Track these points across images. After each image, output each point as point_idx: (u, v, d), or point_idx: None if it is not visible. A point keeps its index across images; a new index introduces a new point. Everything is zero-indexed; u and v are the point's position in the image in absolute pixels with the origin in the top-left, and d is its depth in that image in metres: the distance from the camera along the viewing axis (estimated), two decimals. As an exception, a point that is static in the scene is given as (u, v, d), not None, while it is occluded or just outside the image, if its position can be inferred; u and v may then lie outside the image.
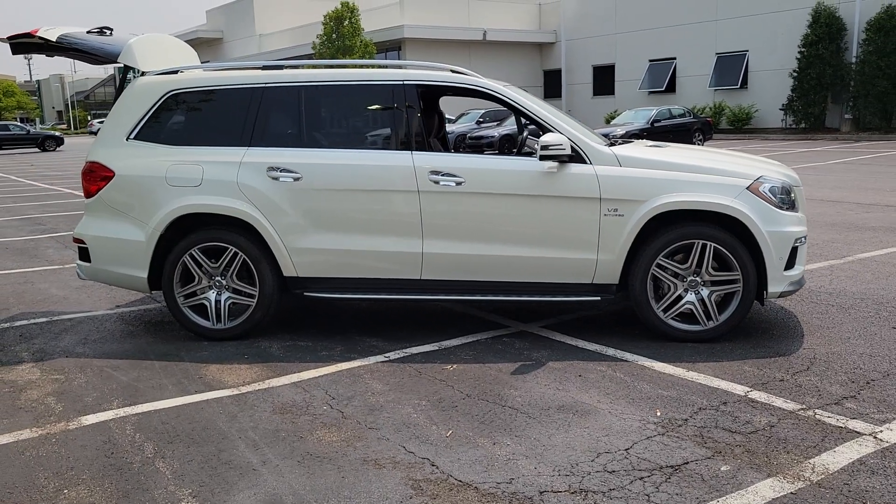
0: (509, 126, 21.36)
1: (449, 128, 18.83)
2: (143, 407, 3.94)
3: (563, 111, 5.34)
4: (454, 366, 4.42)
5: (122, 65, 5.23)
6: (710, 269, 4.61)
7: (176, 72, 5.17)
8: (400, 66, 5.33)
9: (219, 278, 4.97)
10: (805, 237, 4.72)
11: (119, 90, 5.32)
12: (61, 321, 5.69)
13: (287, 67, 5.20)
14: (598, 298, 4.71)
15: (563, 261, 4.68)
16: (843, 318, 5.12)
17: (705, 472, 3.04)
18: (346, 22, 33.77)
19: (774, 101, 29.15)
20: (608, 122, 27.69)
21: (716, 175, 4.59)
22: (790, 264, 4.62)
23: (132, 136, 5.05)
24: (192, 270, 4.96)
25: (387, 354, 4.66)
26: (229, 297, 5.00)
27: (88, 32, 5.32)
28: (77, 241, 5.18)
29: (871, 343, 4.57)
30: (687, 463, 3.13)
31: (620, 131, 19.97)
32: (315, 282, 4.93)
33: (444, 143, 6.18)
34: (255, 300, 4.95)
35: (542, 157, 4.55)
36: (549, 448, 3.31)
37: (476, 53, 36.53)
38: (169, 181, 4.89)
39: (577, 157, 4.63)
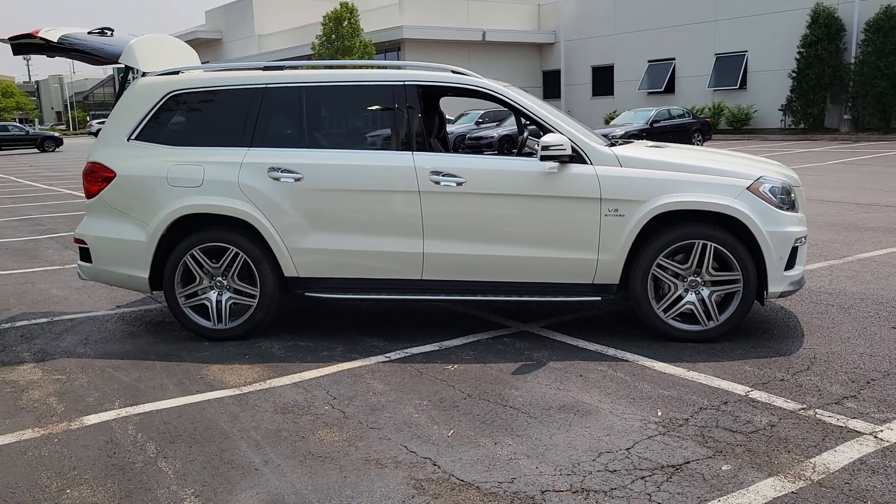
0: (508, 127, 21.38)
1: (448, 128, 18.81)
2: (144, 407, 3.94)
3: (563, 112, 5.35)
4: (455, 366, 4.42)
5: (122, 65, 5.24)
6: (711, 270, 4.62)
7: (177, 72, 5.18)
8: (400, 67, 5.34)
9: (220, 279, 4.98)
10: (805, 237, 4.73)
11: (120, 91, 5.33)
12: (62, 321, 5.69)
13: (288, 68, 5.21)
14: (599, 298, 4.72)
15: (563, 261, 4.68)
16: (843, 318, 5.13)
17: (706, 472, 3.05)
18: (346, 22, 33.81)
19: (773, 102, 29.18)
20: (607, 122, 27.72)
21: (716, 175, 4.60)
22: (790, 264, 4.63)
23: (133, 137, 5.05)
24: (194, 271, 4.97)
25: (388, 354, 4.66)
26: (230, 298, 5.00)
27: (89, 33, 5.33)
28: (78, 241, 5.19)
29: (871, 343, 4.58)
30: (688, 462, 3.14)
31: (620, 132, 19.96)
32: (316, 282, 4.93)
33: (445, 144, 6.19)
34: (256, 300, 4.95)
35: (543, 158, 4.56)
36: (551, 448, 3.32)
37: (475, 54, 36.54)
38: (170, 181, 4.90)
39: (577, 157, 4.64)
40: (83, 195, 5.20)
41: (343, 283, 4.92)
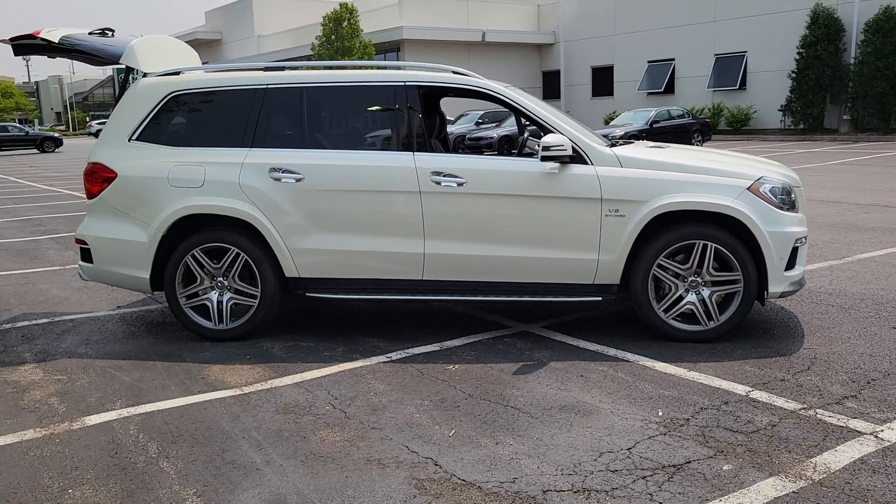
0: (508, 127, 21.40)
1: (448, 129, 18.82)
2: (146, 407, 3.95)
3: (562, 112, 5.35)
4: (456, 366, 4.43)
5: (123, 66, 5.25)
6: (711, 270, 4.63)
7: (178, 73, 5.19)
8: (400, 68, 5.35)
9: (221, 279, 4.98)
10: (805, 237, 4.74)
11: (121, 92, 5.34)
12: (63, 322, 5.70)
13: (289, 69, 5.22)
14: (600, 299, 4.72)
15: (564, 261, 4.69)
16: (843, 318, 5.14)
17: (707, 472, 3.06)
18: (345, 23, 33.80)
19: (773, 102, 29.20)
20: (607, 123, 27.75)
21: (716, 176, 4.61)
22: (791, 265, 4.64)
23: (134, 137, 5.06)
24: (195, 271, 4.97)
25: (389, 355, 4.67)
26: (231, 298, 5.01)
27: (90, 34, 5.33)
28: (79, 241, 5.19)
29: (871, 343, 4.59)
30: (689, 462, 3.15)
31: (619, 132, 19.98)
32: (317, 282, 4.94)
33: (445, 144, 6.20)
34: (257, 301, 4.96)
35: (544, 158, 4.56)
36: (552, 448, 3.32)
37: (475, 54, 36.55)
38: (171, 182, 4.90)
39: (578, 157, 4.64)
40: (83, 196, 5.21)
41: (344, 283, 4.92)
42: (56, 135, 43.60)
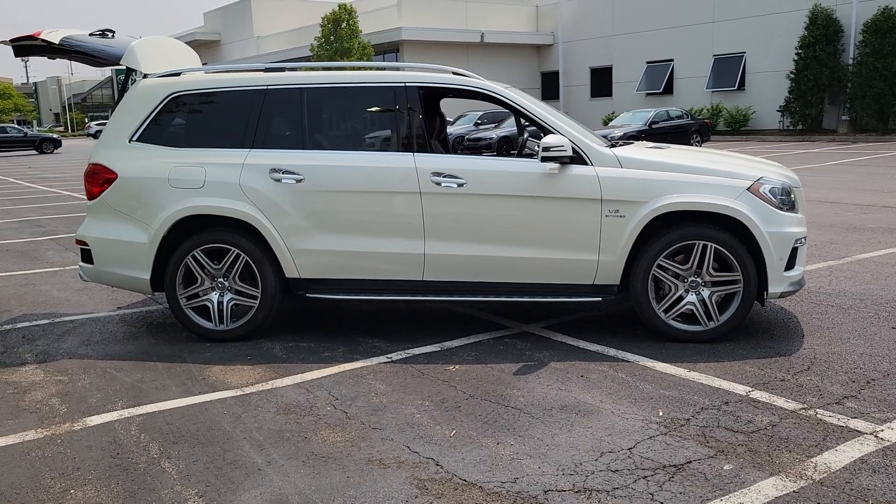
0: (507, 128, 21.43)
1: (447, 129, 18.82)
2: (147, 408, 3.95)
3: (561, 113, 5.36)
4: (456, 366, 4.43)
5: (123, 67, 5.25)
6: (711, 270, 4.64)
7: (178, 74, 5.19)
8: (399, 68, 5.36)
9: (221, 280, 4.99)
10: (805, 238, 4.75)
11: (121, 93, 5.34)
12: (63, 323, 5.70)
13: (289, 69, 5.22)
14: (600, 299, 4.73)
15: (564, 262, 4.70)
16: (842, 318, 5.15)
17: (708, 471, 3.07)
18: (344, 24, 33.83)
19: (772, 103, 29.22)
20: (606, 123, 27.76)
21: (716, 176, 4.62)
22: (790, 265, 4.65)
23: (135, 138, 5.06)
24: (195, 272, 4.97)
25: (389, 355, 4.68)
26: (232, 299, 5.01)
27: (91, 35, 5.34)
28: (80, 242, 5.19)
29: (870, 343, 4.60)
30: (690, 462, 3.15)
31: (618, 133, 20.00)
32: (317, 283, 4.94)
33: (445, 145, 6.21)
34: (258, 301, 4.96)
35: (544, 159, 4.57)
36: (553, 448, 3.33)
37: (474, 55, 36.57)
38: (171, 183, 4.90)
39: (578, 158, 4.65)
40: (83, 197, 5.21)
41: (344, 283, 4.93)
42: (55, 136, 43.61)
